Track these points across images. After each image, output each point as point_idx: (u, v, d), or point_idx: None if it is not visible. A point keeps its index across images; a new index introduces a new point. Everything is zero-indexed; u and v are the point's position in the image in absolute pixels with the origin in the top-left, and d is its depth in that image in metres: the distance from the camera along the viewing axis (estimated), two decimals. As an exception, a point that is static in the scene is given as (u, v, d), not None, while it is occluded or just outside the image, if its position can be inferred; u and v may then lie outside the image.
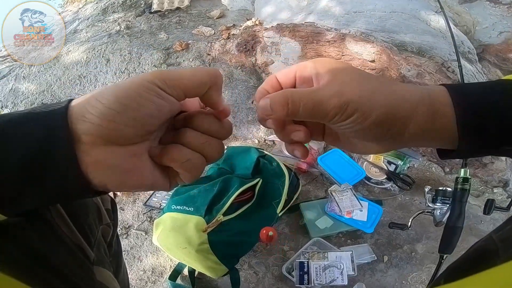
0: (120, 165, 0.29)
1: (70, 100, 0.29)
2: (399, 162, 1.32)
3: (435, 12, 1.69)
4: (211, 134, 0.33)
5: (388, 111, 0.31)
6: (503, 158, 1.32)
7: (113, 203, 0.56)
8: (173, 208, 0.95)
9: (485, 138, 0.32)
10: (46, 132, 0.26)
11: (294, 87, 0.36)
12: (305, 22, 1.73)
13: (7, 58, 2.17)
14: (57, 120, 0.27)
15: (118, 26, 2.17)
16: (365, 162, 1.33)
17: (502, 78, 0.34)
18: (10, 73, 2.01)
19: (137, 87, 0.28)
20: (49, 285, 0.33)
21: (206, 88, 0.31)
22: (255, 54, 1.74)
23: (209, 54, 1.81)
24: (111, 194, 1.30)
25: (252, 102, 1.59)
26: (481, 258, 0.41)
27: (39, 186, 0.27)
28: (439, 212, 0.86)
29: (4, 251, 0.30)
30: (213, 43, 1.87)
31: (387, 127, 0.32)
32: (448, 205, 0.83)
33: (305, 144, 0.38)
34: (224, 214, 0.93)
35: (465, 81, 1.22)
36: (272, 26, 1.80)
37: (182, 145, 0.32)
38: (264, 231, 0.98)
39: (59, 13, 2.49)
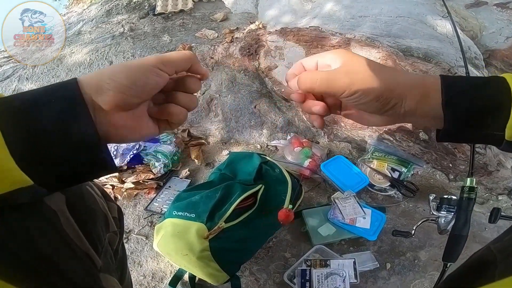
0: (126, 125, 0.38)
1: (75, 79, 0.36)
2: (403, 169, 1.30)
3: (442, 17, 1.67)
4: (193, 91, 0.44)
5: (383, 92, 0.40)
6: (508, 166, 1.31)
7: (120, 211, 0.59)
8: (174, 214, 0.94)
9: (463, 116, 0.39)
10: (67, 103, 0.34)
11: None
12: (309, 26, 1.72)
13: (11, 59, 2.18)
14: (74, 95, 0.34)
15: (122, 28, 2.17)
16: (369, 169, 1.31)
17: (500, 75, 0.41)
18: (13, 74, 2.02)
19: (144, 70, 0.38)
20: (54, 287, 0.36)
21: (189, 66, 0.43)
22: (258, 58, 1.72)
23: (212, 58, 1.80)
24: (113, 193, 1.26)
25: (255, 107, 1.59)
26: (479, 268, 0.44)
27: (65, 136, 0.33)
28: (444, 220, 0.84)
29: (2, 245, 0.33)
30: (216, 46, 1.86)
31: (385, 102, 0.41)
32: (453, 213, 0.81)
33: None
34: (226, 221, 0.92)
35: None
36: (275, 30, 1.80)
37: (174, 103, 0.43)
38: (283, 212, 1.03)
39: (61, 15, 2.50)
